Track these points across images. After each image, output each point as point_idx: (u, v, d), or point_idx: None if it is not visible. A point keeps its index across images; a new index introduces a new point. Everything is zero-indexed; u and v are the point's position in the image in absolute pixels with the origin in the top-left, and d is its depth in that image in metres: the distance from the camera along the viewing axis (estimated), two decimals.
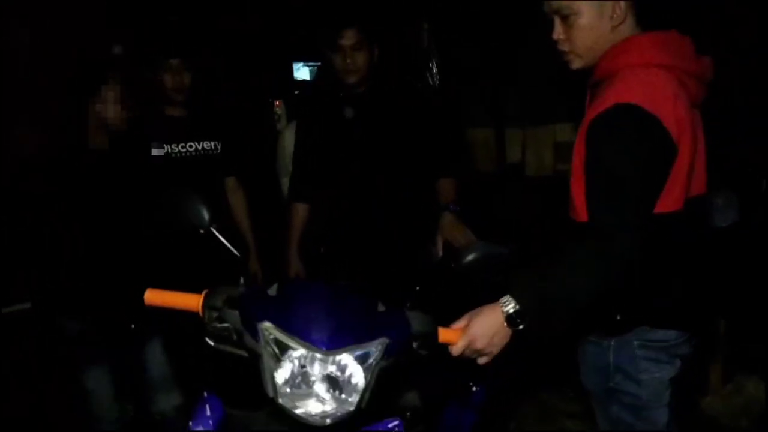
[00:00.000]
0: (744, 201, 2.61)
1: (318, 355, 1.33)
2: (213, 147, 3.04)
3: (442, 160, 2.85)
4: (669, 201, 1.68)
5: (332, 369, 1.33)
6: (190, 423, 1.55)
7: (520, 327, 1.56)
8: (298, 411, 1.33)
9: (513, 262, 1.72)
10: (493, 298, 1.59)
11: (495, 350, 1.57)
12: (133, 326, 1.50)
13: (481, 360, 1.59)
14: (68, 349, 2.61)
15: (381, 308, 1.47)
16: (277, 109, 4.55)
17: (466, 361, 1.59)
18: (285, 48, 4.83)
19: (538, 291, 1.57)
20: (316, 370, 1.33)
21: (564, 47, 1.81)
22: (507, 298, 1.57)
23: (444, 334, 1.55)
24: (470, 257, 1.70)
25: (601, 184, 1.63)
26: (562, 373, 2.88)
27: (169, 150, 2.96)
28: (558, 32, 1.80)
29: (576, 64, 1.82)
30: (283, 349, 1.33)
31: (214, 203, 1.58)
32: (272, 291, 1.42)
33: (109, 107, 2.54)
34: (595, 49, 1.76)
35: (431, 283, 1.68)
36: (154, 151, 2.92)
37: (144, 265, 2.47)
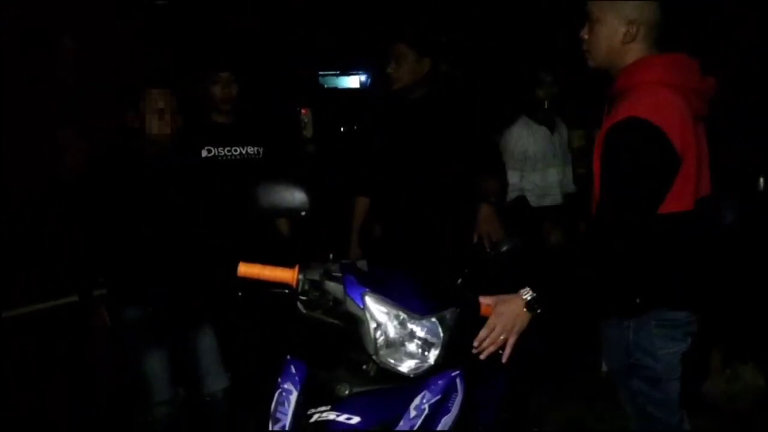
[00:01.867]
0: (742, 200, 2.90)
1: (414, 319, 1.63)
2: (256, 152, 3.31)
3: (486, 161, 3.15)
4: (681, 202, 1.97)
5: (423, 330, 1.63)
6: (279, 380, 1.80)
7: (538, 312, 1.86)
8: (395, 366, 1.62)
9: (528, 253, 2.03)
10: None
11: (517, 330, 1.86)
12: (240, 294, 1.72)
13: (505, 341, 1.85)
14: (126, 335, 2.85)
15: (449, 284, 1.76)
16: (303, 116, 4.83)
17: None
18: (311, 57, 5.11)
19: (552, 281, 1.90)
20: (413, 331, 1.63)
21: (585, 46, 2.12)
22: (527, 288, 1.87)
23: (483, 307, 1.85)
24: (505, 248, 2.02)
25: (609, 186, 1.94)
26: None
27: (216, 153, 3.23)
28: (584, 31, 2.11)
29: (590, 63, 2.13)
30: (386, 313, 1.62)
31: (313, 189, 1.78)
32: (363, 266, 1.69)
33: (153, 120, 2.79)
34: (607, 57, 2.06)
35: (476, 268, 1.98)
36: (203, 153, 3.19)
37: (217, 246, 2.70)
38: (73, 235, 2.98)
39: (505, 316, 1.83)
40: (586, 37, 2.10)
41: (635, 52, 2.03)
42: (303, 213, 1.76)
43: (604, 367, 3.40)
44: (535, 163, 4.11)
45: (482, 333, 1.83)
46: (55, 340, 3.32)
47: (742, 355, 3.19)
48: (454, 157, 3.02)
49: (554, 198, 4.18)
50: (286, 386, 1.78)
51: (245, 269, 1.75)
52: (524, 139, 4.09)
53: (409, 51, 2.94)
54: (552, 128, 4.23)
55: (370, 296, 1.64)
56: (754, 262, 3.23)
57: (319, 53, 5.07)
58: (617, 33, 2.03)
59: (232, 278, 1.75)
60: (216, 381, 2.96)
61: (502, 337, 1.84)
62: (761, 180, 3.62)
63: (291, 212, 1.76)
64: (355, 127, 5.99)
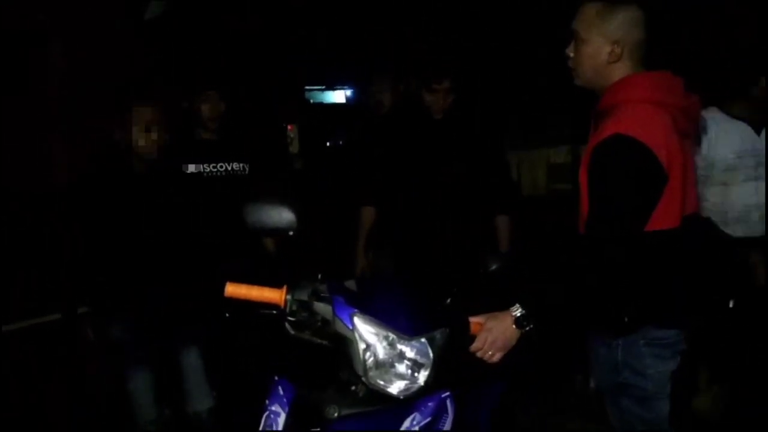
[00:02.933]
0: None
1: (404, 340, 1.62)
2: (241, 168, 3.30)
3: (499, 193, 3.27)
4: (667, 219, 1.98)
5: (413, 351, 1.62)
6: (267, 402, 1.78)
7: (527, 328, 1.87)
8: (385, 387, 1.61)
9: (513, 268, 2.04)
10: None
11: (506, 346, 1.86)
12: (227, 315, 1.69)
13: (494, 357, 1.86)
14: (112, 354, 2.82)
15: (439, 303, 1.75)
16: (290, 132, 4.83)
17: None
18: (297, 73, 5.12)
19: (540, 297, 1.91)
20: (402, 352, 1.62)
21: (570, 63, 2.14)
22: (516, 305, 1.88)
23: (473, 326, 1.86)
24: (494, 266, 2.03)
25: (597, 202, 1.95)
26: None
27: (201, 169, 3.21)
28: (569, 49, 2.13)
29: (577, 80, 2.14)
30: (375, 334, 1.61)
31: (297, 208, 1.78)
32: (351, 285, 1.68)
33: (139, 134, 2.78)
34: (593, 75, 2.08)
35: (466, 286, 1.99)
36: (189, 168, 3.17)
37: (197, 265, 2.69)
38: (59, 252, 2.96)
39: (494, 332, 1.84)
40: (572, 55, 2.11)
41: (620, 70, 2.05)
42: (291, 233, 1.74)
43: (592, 383, 3.40)
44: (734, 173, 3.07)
45: (472, 347, 1.83)
46: (39, 357, 3.28)
47: (728, 372, 3.20)
48: (465, 177, 3.15)
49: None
50: (274, 408, 1.76)
51: (233, 289, 1.73)
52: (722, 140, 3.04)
53: (450, 85, 3.13)
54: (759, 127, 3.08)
55: (358, 317, 1.63)
56: (741, 278, 3.23)
57: (305, 68, 5.09)
58: (602, 53, 2.04)
59: (219, 298, 1.73)
60: (201, 401, 2.94)
61: (490, 353, 1.84)
62: None
63: (278, 232, 1.75)
64: (341, 142, 6.02)
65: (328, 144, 6.09)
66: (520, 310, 1.86)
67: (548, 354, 2.82)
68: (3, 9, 3.22)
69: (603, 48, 2.03)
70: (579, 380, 3.70)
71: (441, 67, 3.15)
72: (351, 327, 1.62)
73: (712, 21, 3.48)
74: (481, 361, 1.85)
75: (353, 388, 1.67)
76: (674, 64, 2.12)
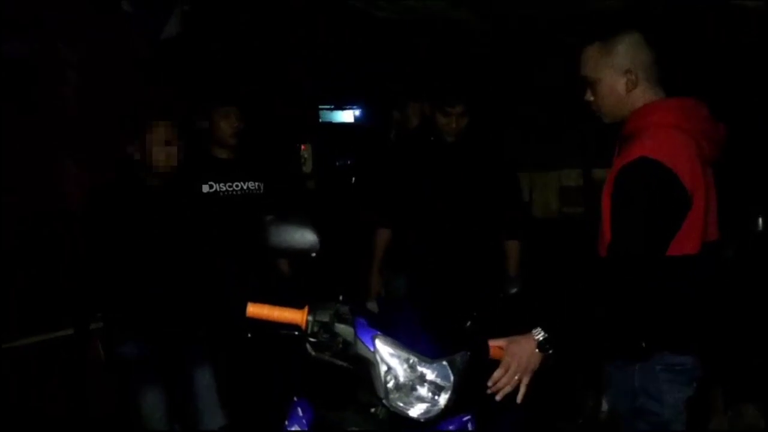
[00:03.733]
0: (741, 239, 2.93)
1: (425, 362, 1.62)
2: (257, 187, 3.31)
3: (509, 217, 3.27)
4: (688, 244, 1.99)
5: (434, 374, 1.62)
6: (285, 423, 1.78)
7: (550, 352, 1.87)
8: (405, 410, 1.61)
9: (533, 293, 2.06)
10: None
11: (531, 370, 1.87)
12: (249, 335, 1.69)
13: (519, 382, 1.85)
14: (123, 371, 2.82)
15: (459, 326, 1.75)
16: (303, 152, 4.84)
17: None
18: (312, 93, 5.16)
19: (562, 321, 1.91)
20: (423, 374, 1.62)
21: (593, 107, 2.16)
22: (538, 328, 1.89)
23: (493, 351, 1.87)
24: (513, 290, 2.05)
25: (620, 225, 1.95)
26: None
27: (218, 188, 3.22)
28: (587, 95, 2.17)
29: (606, 119, 2.17)
30: (396, 357, 1.61)
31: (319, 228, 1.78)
32: (373, 307, 1.68)
33: (156, 152, 2.79)
34: (617, 108, 2.11)
35: (485, 310, 2.00)
36: (204, 188, 3.19)
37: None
38: (73, 267, 2.96)
39: (518, 357, 1.84)
40: (592, 99, 2.15)
41: (641, 95, 2.07)
42: (313, 254, 1.74)
43: (604, 407, 3.39)
44: None
45: (496, 374, 1.83)
46: (49, 373, 3.27)
47: (743, 395, 3.19)
48: (483, 196, 3.19)
49: None
50: (293, 428, 1.76)
51: (254, 309, 1.74)
52: None
53: (464, 109, 3.16)
54: None
55: (380, 339, 1.63)
56: (753, 302, 3.24)
57: (319, 87, 5.13)
58: (618, 85, 2.07)
59: (240, 318, 1.74)
60: (213, 419, 2.92)
61: (516, 377, 1.84)
62: (760, 220, 3.64)
63: (301, 253, 1.75)
64: (349, 162, 6.05)
65: (337, 164, 6.13)
66: (542, 333, 1.86)
67: (561, 377, 2.83)
68: (17, 28, 3.26)
69: (618, 80, 2.07)
70: (591, 403, 3.69)
71: (455, 92, 3.17)
72: (372, 349, 1.63)
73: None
74: (506, 384, 1.85)
75: (373, 410, 1.67)
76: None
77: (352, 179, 5.05)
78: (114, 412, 3.06)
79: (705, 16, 3.86)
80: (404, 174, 3.30)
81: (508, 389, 1.84)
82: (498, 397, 1.84)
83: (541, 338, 1.86)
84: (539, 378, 1.89)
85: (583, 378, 2.97)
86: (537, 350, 1.86)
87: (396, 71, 4.79)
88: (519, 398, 1.85)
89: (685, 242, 1.97)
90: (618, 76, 2.06)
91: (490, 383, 1.83)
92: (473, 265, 3.06)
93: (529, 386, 1.86)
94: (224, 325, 2.62)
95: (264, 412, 2.85)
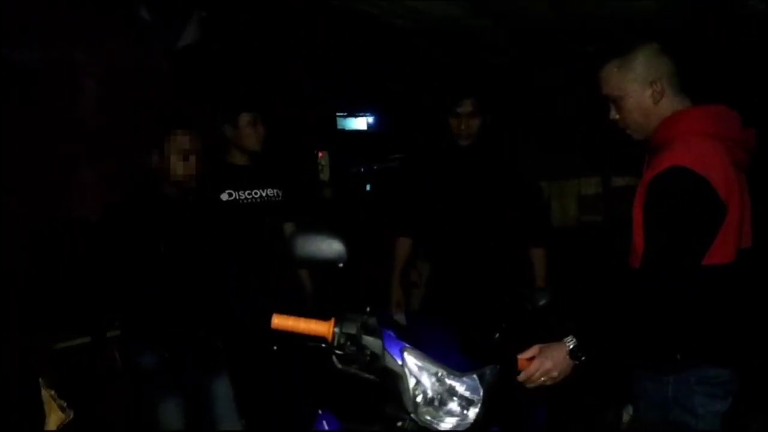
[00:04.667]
0: None
1: (454, 376, 1.58)
2: (275, 194, 3.28)
3: (532, 225, 3.19)
4: (723, 253, 1.94)
5: (463, 388, 1.58)
6: None
7: (582, 359, 1.87)
8: (434, 424, 1.57)
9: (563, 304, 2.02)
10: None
11: (560, 378, 1.87)
12: (275, 347, 1.65)
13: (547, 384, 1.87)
14: (141, 380, 2.79)
15: (488, 339, 1.71)
16: (321, 159, 4.81)
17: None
18: (330, 100, 5.14)
19: (596, 329, 1.90)
20: (453, 388, 1.58)
21: (621, 125, 2.12)
22: (570, 336, 1.88)
23: (521, 363, 1.87)
24: (543, 301, 2.01)
25: (654, 235, 1.91)
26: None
27: (237, 196, 3.19)
28: (612, 114, 2.13)
29: (636, 137, 2.12)
30: (425, 370, 1.57)
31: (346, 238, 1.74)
32: (401, 320, 1.65)
33: (175, 162, 2.77)
34: (646, 122, 2.06)
35: (514, 321, 1.96)
36: (224, 197, 3.16)
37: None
38: (90, 276, 2.94)
39: (549, 361, 1.85)
40: (617, 117, 2.10)
41: (669, 104, 2.03)
42: (341, 265, 1.70)
43: (625, 417, 3.32)
44: None
45: (524, 374, 1.85)
46: (66, 381, 3.25)
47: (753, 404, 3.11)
48: (504, 203, 3.09)
49: None
50: None
51: (279, 321, 1.70)
52: None
53: (477, 108, 3.06)
54: None
55: (409, 352, 1.60)
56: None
57: (336, 94, 5.11)
58: (645, 98, 2.04)
59: (265, 329, 1.70)
60: (230, 429, 2.89)
61: (542, 379, 1.85)
62: None
63: (328, 264, 1.71)
64: (362, 169, 6.02)
65: (352, 171, 6.10)
66: (574, 340, 1.86)
67: (583, 385, 2.79)
68: (35, 37, 3.25)
69: (644, 93, 2.03)
70: (611, 415, 3.63)
71: (460, 88, 3.07)
72: (401, 362, 1.59)
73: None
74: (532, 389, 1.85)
75: (400, 424, 1.63)
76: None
77: (366, 186, 5.02)
78: (130, 421, 3.04)
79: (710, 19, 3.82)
80: (421, 182, 3.23)
81: (540, 381, 1.86)
82: (529, 385, 1.86)
83: (572, 345, 1.86)
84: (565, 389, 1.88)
85: (603, 389, 2.91)
86: (568, 357, 1.86)
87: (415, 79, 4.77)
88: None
89: (721, 251, 1.92)
90: (643, 88, 2.03)
91: (522, 378, 1.85)
92: (496, 274, 3.00)
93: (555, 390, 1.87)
94: (240, 334, 2.58)
95: (285, 423, 2.82)
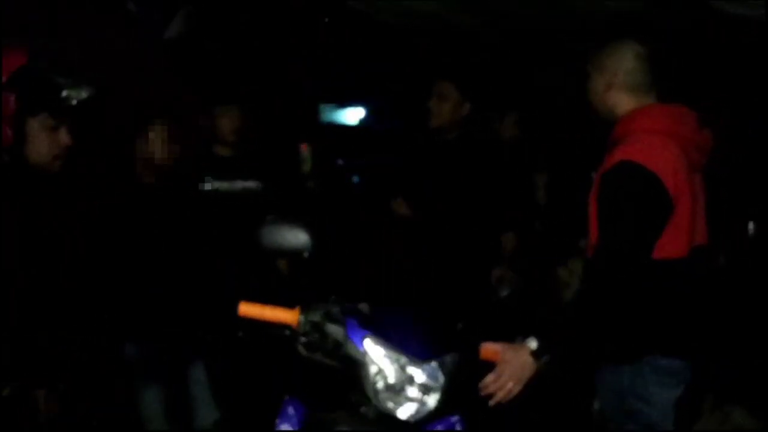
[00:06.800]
0: (733, 244, 2.95)
1: (415, 363, 1.65)
2: (256, 185, 3.34)
3: (508, 218, 3.23)
4: (674, 248, 2.02)
5: (424, 375, 1.64)
6: (277, 421, 1.81)
7: (543, 360, 1.88)
8: (394, 410, 1.63)
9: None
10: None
11: (524, 379, 1.88)
12: (240, 334, 1.71)
13: (512, 390, 1.87)
14: (125, 371, 2.86)
15: (450, 328, 1.78)
16: (303, 152, 4.86)
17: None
18: (312, 91, 5.17)
19: (554, 328, 1.94)
20: (413, 375, 1.64)
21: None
22: (531, 337, 1.91)
23: (484, 352, 1.88)
24: (505, 293, 2.08)
25: (604, 227, 1.99)
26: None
27: (218, 186, 3.26)
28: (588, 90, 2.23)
29: (596, 113, 2.22)
30: (386, 357, 1.64)
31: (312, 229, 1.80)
32: (364, 308, 1.71)
33: (156, 146, 2.84)
34: (597, 106, 2.19)
35: (477, 312, 2.03)
36: (205, 186, 3.22)
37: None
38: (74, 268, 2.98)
39: (512, 364, 1.86)
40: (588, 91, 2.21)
41: (615, 98, 2.13)
42: (306, 254, 1.77)
43: (596, 406, 3.40)
44: None
45: (489, 378, 1.85)
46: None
47: (732, 397, 3.21)
48: (476, 201, 3.13)
49: None
50: (284, 427, 1.79)
51: (246, 309, 1.76)
52: None
53: (454, 91, 3.07)
54: None
55: (370, 340, 1.66)
56: (744, 306, 3.27)
57: (320, 85, 5.14)
58: (598, 84, 2.15)
59: (232, 317, 1.77)
60: (207, 414, 2.98)
61: (509, 385, 1.86)
62: (751, 225, 3.67)
63: (294, 253, 1.77)
64: (347, 163, 6.05)
65: (339, 163, 6.11)
66: (536, 342, 1.88)
67: (551, 378, 2.86)
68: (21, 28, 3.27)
69: (599, 79, 2.15)
70: (582, 402, 3.70)
71: (439, 71, 3.11)
72: (362, 349, 1.65)
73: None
74: (498, 390, 1.86)
75: (363, 410, 1.69)
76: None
77: (352, 179, 5.07)
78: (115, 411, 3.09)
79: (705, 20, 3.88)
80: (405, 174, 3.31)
81: (500, 395, 1.85)
82: (491, 403, 1.86)
83: (535, 347, 1.87)
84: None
85: (573, 378, 2.99)
86: (531, 358, 1.87)
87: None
88: (507, 400, 1.86)
89: (672, 246, 2.00)
90: (599, 75, 2.15)
91: (481, 386, 1.85)
92: (464, 265, 3.03)
93: (521, 393, 1.88)
94: (222, 324, 2.63)
95: (258, 409, 2.88)
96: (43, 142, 1.84)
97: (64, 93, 1.82)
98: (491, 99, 3.88)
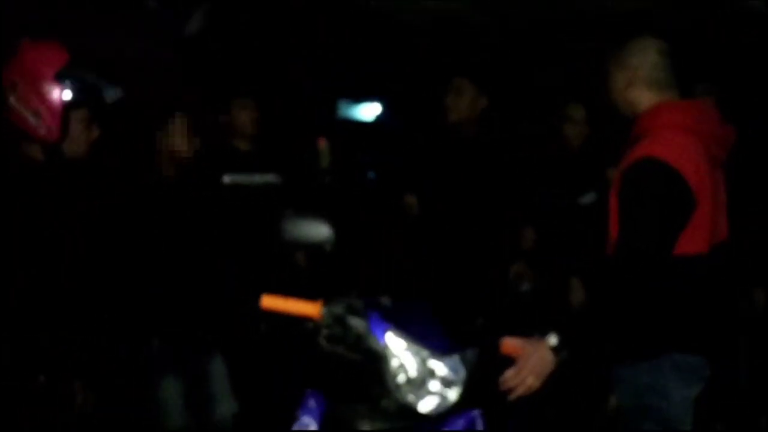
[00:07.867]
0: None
1: (436, 357, 1.66)
2: (275, 179, 3.37)
3: (524, 210, 3.24)
4: (695, 244, 2.01)
5: (445, 369, 1.65)
6: (297, 414, 1.82)
7: (564, 356, 1.89)
8: (415, 404, 1.64)
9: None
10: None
11: (544, 374, 1.89)
12: (262, 326, 1.73)
13: (533, 385, 1.89)
14: (144, 363, 2.88)
15: (471, 322, 1.79)
16: (321, 146, 4.86)
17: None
18: (330, 86, 5.18)
19: (574, 323, 1.98)
20: (434, 369, 1.65)
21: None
22: (552, 332, 1.91)
23: (504, 347, 1.90)
24: (524, 288, 2.09)
25: (625, 223, 1.99)
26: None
27: (238, 180, 3.28)
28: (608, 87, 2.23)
29: (618, 110, 2.23)
30: (408, 351, 1.65)
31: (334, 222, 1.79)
32: (386, 302, 1.73)
33: (176, 139, 2.87)
34: (618, 103, 2.19)
35: (496, 308, 2.04)
36: (225, 180, 3.25)
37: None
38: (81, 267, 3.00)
39: (533, 359, 1.87)
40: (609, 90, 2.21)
41: (637, 94, 2.13)
42: (328, 247, 1.78)
43: (612, 402, 3.40)
44: None
45: (509, 373, 1.87)
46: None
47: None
48: (499, 195, 3.13)
49: None
50: (304, 420, 1.80)
51: (268, 302, 1.77)
52: None
53: (470, 86, 3.08)
54: None
55: (392, 333, 1.67)
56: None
57: (338, 80, 5.15)
58: (619, 80, 2.16)
59: (254, 310, 1.78)
60: (225, 406, 2.99)
61: (529, 380, 1.87)
62: None
63: (315, 246, 1.78)
64: (364, 158, 6.04)
65: (356, 158, 6.11)
66: (555, 337, 1.89)
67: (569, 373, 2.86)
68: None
69: (619, 76, 2.15)
70: (599, 399, 3.70)
71: (454, 68, 3.12)
72: (384, 343, 1.66)
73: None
74: (518, 384, 1.87)
75: (384, 403, 1.70)
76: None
77: (369, 174, 5.07)
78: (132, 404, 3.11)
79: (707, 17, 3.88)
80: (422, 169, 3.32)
81: (519, 390, 1.87)
82: (510, 397, 1.87)
83: (555, 342, 1.88)
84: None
85: (591, 374, 2.99)
86: (551, 354, 1.88)
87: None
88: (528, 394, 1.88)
89: (692, 242, 2.00)
90: (619, 72, 2.16)
91: (501, 381, 1.87)
92: (481, 262, 3.03)
93: (541, 387, 1.89)
94: (230, 321, 2.66)
95: (278, 402, 2.90)
96: (80, 135, 1.95)
97: (103, 91, 1.91)
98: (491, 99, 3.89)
